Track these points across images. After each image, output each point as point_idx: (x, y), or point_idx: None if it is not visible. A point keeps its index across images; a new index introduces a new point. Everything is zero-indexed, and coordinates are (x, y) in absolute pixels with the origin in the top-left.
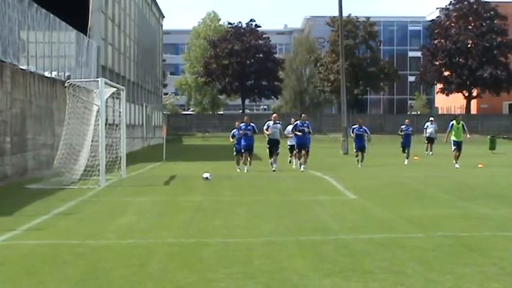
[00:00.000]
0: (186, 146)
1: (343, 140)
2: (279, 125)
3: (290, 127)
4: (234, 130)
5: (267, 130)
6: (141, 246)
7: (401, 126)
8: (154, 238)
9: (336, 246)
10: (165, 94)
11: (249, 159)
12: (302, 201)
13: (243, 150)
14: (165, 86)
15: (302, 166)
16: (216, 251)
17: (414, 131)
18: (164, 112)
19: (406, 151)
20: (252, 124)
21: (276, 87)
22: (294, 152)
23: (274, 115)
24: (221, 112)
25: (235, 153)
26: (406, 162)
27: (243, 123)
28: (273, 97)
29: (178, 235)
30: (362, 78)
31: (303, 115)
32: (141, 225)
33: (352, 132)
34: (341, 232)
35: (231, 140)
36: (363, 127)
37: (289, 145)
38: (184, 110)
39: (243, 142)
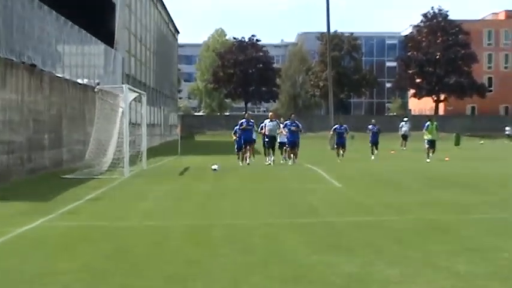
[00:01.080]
0: (197, 142)
1: (330, 137)
2: (275, 123)
3: (281, 126)
4: (236, 127)
5: (262, 129)
6: (159, 227)
7: (369, 126)
8: (171, 220)
9: (323, 227)
10: (180, 98)
11: (249, 152)
12: (296, 189)
13: (243, 143)
14: (179, 91)
15: (290, 160)
16: (223, 231)
17: (382, 130)
18: (179, 113)
19: (374, 147)
20: (252, 121)
21: (274, 92)
22: (284, 148)
23: (271, 114)
24: (227, 113)
25: (236, 149)
26: (372, 158)
27: (244, 120)
28: (271, 100)
29: (191, 218)
30: (346, 85)
31: (292, 116)
32: (160, 209)
33: (334, 130)
34: (328, 215)
35: (233, 137)
36: (344, 125)
37: (279, 142)
38: (196, 112)
39: (244, 136)
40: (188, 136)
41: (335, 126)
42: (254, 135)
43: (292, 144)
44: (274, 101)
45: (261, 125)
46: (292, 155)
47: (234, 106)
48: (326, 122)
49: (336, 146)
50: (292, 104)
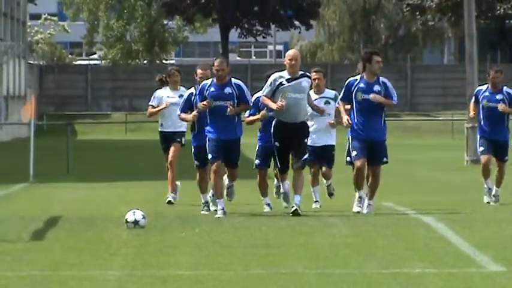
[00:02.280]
0: (85, 144)
1: (469, 128)
2: (305, 83)
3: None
4: (192, 91)
5: (268, 99)
6: None
7: None
8: None
9: None
10: (35, 18)
11: (227, 181)
12: (372, 278)
13: (211, 157)
14: None
15: (367, 202)
16: None
17: None
18: (32, 61)
19: None
20: (237, 82)
21: (306, 0)
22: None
23: (291, 54)
24: (171, 60)
25: (196, 163)
26: None
27: (207, 81)
28: (297, 23)
29: None
30: None
31: (374, 59)
32: None
33: (477, 99)
34: None
35: (187, 116)
36: (506, 89)
37: (310, 147)
38: (80, 57)
39: (211, 133)
40: (58, 128)
41: (479, 89)
42: (240, 128)
43: (373, 149)
44: (307, 26)
45: (265, 88)
46: (364, 185)
47: (188, 40)
48: (455, 86)
49: (480, 151)
50: (358, 34)
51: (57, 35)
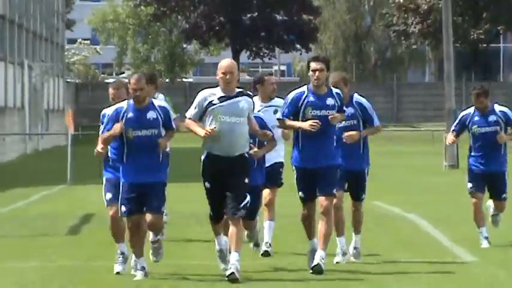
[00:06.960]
0: None
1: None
2: (245, 103)
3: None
4: (105, 111)
5: (193, 123)
6: None
7: None
8: None
9: None
10: (72, 42)
11: (151, 236)
12: (364, 266)
13: (125, 211)
14: (70, 25)
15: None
16: None
17: None
18: (69, 80)
19: None
20: (161, 104)
21: (306, 26)
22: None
23: (225, 65)
24: (189, 79)
25: (108, 196)
26: None
27: (122, 104)
28: (298, 46)
29: None
30: (487, 8)
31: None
32: None
33: (460, 126)
34: None
35: (99, 150)
36: (499, 109)
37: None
38: (110, 76)
39: (125, 176)
40: (92, 136)
41: (464, 115)
42: (165, 168)
43: (321, 180)
44: (307, 49)
45: (193, 106)
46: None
47: (204, 61)
48: (437, 100)
49: (471, 187)
50: (350, 55)
51: (91, 57)
